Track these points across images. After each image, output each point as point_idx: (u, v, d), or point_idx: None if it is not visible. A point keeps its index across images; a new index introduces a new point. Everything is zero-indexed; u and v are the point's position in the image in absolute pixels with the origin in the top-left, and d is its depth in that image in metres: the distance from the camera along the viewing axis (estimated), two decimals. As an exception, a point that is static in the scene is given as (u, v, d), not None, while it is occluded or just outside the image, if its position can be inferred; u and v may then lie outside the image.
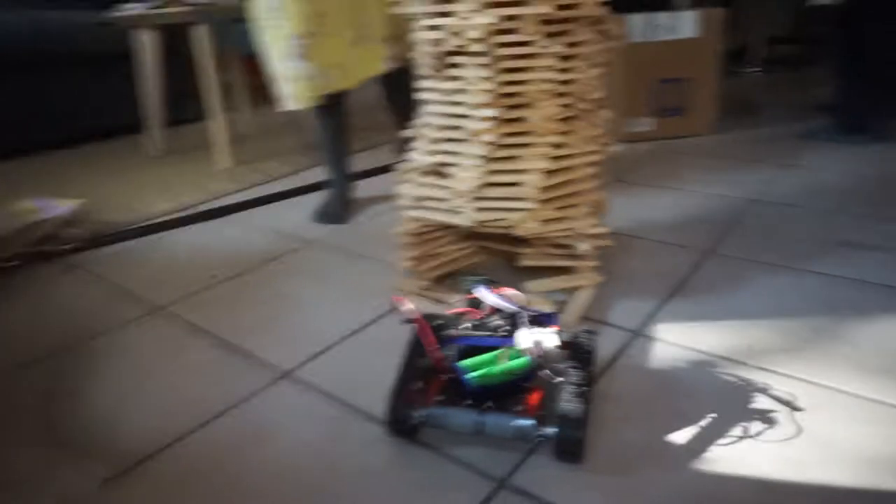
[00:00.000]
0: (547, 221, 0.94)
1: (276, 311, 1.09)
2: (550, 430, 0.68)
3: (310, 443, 0.77)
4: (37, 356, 1.00)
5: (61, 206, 1.56)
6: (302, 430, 0.79)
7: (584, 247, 0.98)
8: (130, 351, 1.00)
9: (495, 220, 0.94)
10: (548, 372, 0.72)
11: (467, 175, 0.94)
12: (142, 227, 1.53)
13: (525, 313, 0.74)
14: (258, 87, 3.85)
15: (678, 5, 2.47)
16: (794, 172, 1.63)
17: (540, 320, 0.74)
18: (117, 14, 2.02)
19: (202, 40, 1.89)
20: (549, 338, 0.71)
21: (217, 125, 2.00)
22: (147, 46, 2.08)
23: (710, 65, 2.02)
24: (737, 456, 0.70)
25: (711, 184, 1.58)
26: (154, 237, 1.48)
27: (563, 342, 0.74)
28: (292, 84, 1.28)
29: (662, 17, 1.96)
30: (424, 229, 1.04)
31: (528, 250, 1.05)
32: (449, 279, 1.10)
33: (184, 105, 2.64)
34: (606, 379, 0.84)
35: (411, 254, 1.05)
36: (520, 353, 0.71)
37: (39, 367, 0.97)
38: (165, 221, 1.55)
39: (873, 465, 0.68)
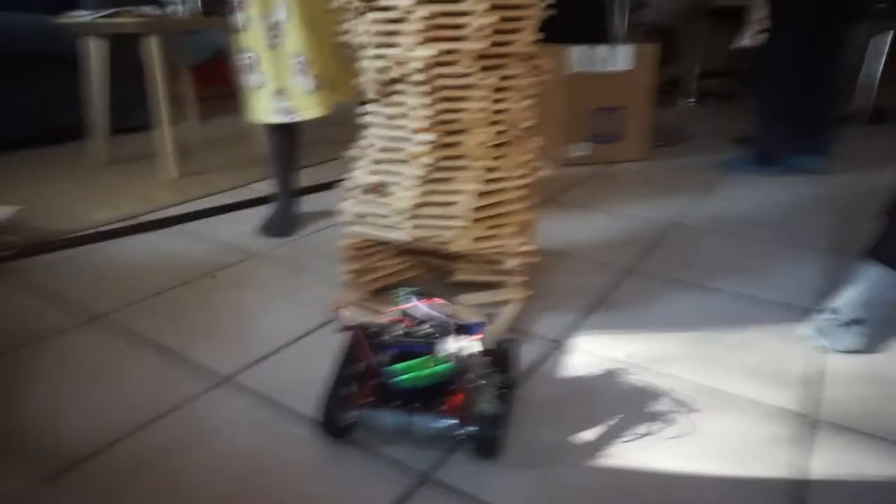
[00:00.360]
0: (478, 239, 1.02)
1: (218, 319, 1.12)
2: (471, 429, 0.74)
3: (245, 445, 0.81)
4: (-28, 361, 1.00)
5: (-2, 212, 1.55)
6: (237, 432, 0.83)
7: (512, 263, 1.06)
8: (67, 357, 1.01)
9: (430, 236, 1.01)
10: (470, 376, 0.79)
11: (405, 194, 1.00)
12: (82, 235, 1.52)
13: (451, 322, 0.80)
14: (205, 99, 3.84)
15: (615, 39, 2.63)
16: (711, 199, 1.77)
17: (466, 329, 0.81)
18: (67, 20, 2.01)
19: (151, 51, 1.90)
20: (472, 345, 0.77)
21: (163, 135, 2.00)
22: (94, 54, 2.08)
23: (643, 96, 2.16)
24: (637, 452, 0.78)
25: (637, 207, 1.70)
26: (94, 246, 1.48)
27: (486, 349, 0.81)
28: (303, 98, 1.35)
29: (600, 50, 2.09)
30: (364, 244, 1.10)
31: (461, 266, 1.13)
32: (387, 292, 1.16)
33: (131, 114, 2.63)
34: (527, 385, 0.92)
35: (351, 267, 1.10)
36: (445, 359, 0.78)
37: (-26, 372, 0.98)
38: (107, 231, 1.56)
39: (749, 457, 0.77)
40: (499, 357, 0.84)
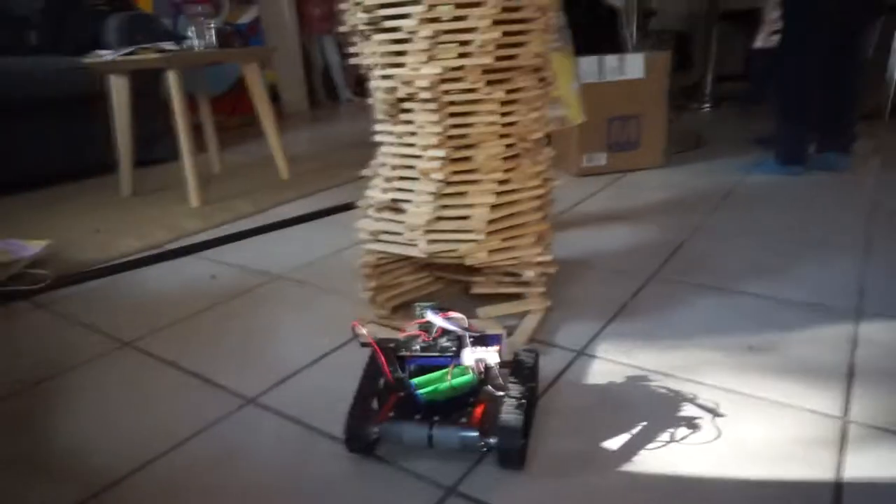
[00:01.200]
0: (494, 251, 1.02)
1: (242, 342, 1.14)
2: (492, 441, 0.74)
3: (274, 462, 0.82)
4: (6, 392, 1.03)
5: (30, 247, 1.60)
6: (266, 451, 0.84)
7: (530, 274, 1.06)
8: (99, 384, 1.04)
9: (446, 251, 1.01)
10: (491, 387, 0.79)
11: (420, 210, 1.02)
12: (110, 265, 1.57)
13: (469, 335, 0.81)
14: (225, 129, 3.93)
15: (626, 48, 2.63)
16: (732, 202, 1.75)
17: (484, 340, 0.81)
18: (90, 60, 2.09)
19: (173, 84, 1.96)
20: (491, 356, 0.78)
21: (187, 165, 2.06)
22: (118, 90, 2.15)
23: (657, 103, 2.15)
24: (664, 458, 0.77)
25: (657, 214, 1.69)
26: (122, 275, 1.52)
27: (505, 360, 0.81)
28: (578, 103, 1.42)
29: (612, 60, 2.10)
30: (382, 261, 1.11)
31: (479, 279, 1.13)
32: (407, 308, 1.17)
33: (154, 146, 2.71)
34: (550, 395, 0.91)
35: (370, 284, 1.11)
36: (464, 371, 0.78)
37: (10, 401, 1.01)
38: (134, 260, 1.60)
39: (778, 460, 0.75)
40: (518, 368, 0.84)
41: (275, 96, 4.06)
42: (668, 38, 4.98)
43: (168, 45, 2.10)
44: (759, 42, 2.21)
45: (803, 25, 1.88)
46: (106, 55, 2.07)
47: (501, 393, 0.78)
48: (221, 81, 3.79)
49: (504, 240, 1.04)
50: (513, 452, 0.74)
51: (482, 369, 0.78)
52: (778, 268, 1.29)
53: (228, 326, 1.21)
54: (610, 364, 0.98)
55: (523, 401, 0.77)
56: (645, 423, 0.83)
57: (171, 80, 1.96)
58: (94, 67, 2.11)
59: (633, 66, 2.11)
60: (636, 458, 0.77)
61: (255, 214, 1.96)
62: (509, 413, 0.75)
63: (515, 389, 0.79)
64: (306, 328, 1.18)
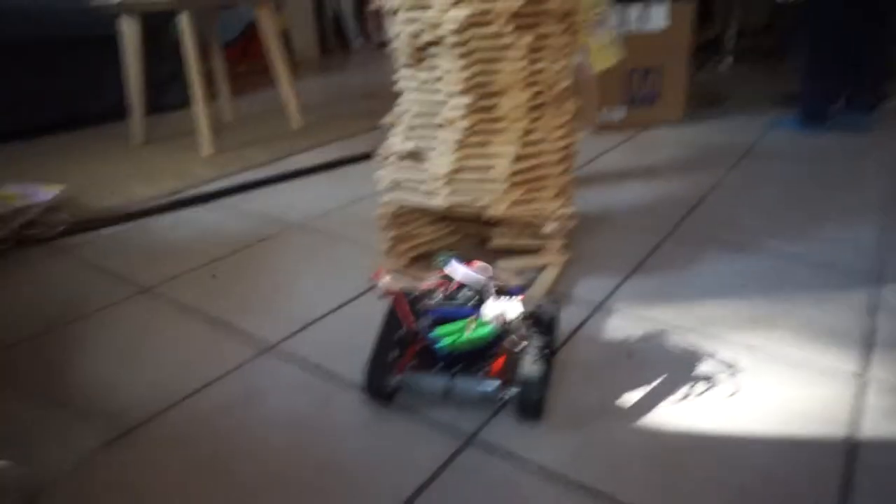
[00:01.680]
0: (516, 203, 1.01)
1: (262, 290, 1.15)
2: (513, 391, 0.75)
3: (294, 408, 0.83)
4: (29, 334, 1.05)
5: (44, 192, 1.59)
6: (286, 397, 0.85)
7: (550, 227, 1.05)
8: (120, 328, 1.05)
9: (468, 202, 1.00)
10: (512, 339, 0.79)
11: (442, 160, 1.00)
12: (127, 212, 1.56)
13: (492, 285, 0.80)
14: (237, 76, 3.86)
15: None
16: (754, 160, 1.72)
17: (506, 292, 0.81)
18: (100, 1, 2.04)
19: (185, 28, 1.92)
20: (513, 308, 0.78)
21: (199, 113, 2.03)
22: (128, 33, 2.10)
23: (680, 56, 2.09)
24: (682, 412, 0.78)
25: (676, 170, 1.66)
26: (138, 222, 1.52)
27: (526, 312, 0.81)
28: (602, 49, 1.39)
29: (635, 9, 2.03)
30: (402, 211, 1.10)
31: (499, 231, 1.12)
32: (426, 259, 1.17)
33: (167, 92, 2.67)
34: (568, 347, 0.92)
35: (389, 235, 1.11)
36: (486, 322, 0.78)
37: (33, 343, 1.02)
38: (150, 207, 1.59)
39: (795, 417, 0.76)
40: (539, 319, 0.84)
41: (286, 43, 3.98)
42: (692, -11, 4.81)
43: (179, -13, 2.04)
44: None
45: None
46: (116, -5, 2.02)
47: (523, 344, 0.78)
48: (233, 27, 3.70)
49: (526, 192, 1.02)
50: (532, 403, 0.75)
51: (504, 320, 0.78)
52: (797, 227, 1.28)
53: (246, 274, 1.21)
54: (628, 319, 0.98)
55: (545, 352, 0.77)
56: (664, 377, 0.84)
57: (184, 22, 1.91)
58: (103, 8, 2.06)
59: (656, 15, 2.04)
60: (653, 412, 0.78)
61: (269, 163, 1.94)
62: (529, 365, 0.76)
63: (536, 342, 0.79)
64: (324, 277, 1.18)
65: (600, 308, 1.02)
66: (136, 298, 1.14)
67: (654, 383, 0.83)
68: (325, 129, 2.31)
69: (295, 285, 1.16)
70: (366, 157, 1.88)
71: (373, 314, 0.91)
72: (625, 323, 0.97)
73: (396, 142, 1.06)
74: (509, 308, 0.78)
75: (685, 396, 0.80)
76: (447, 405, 0.80)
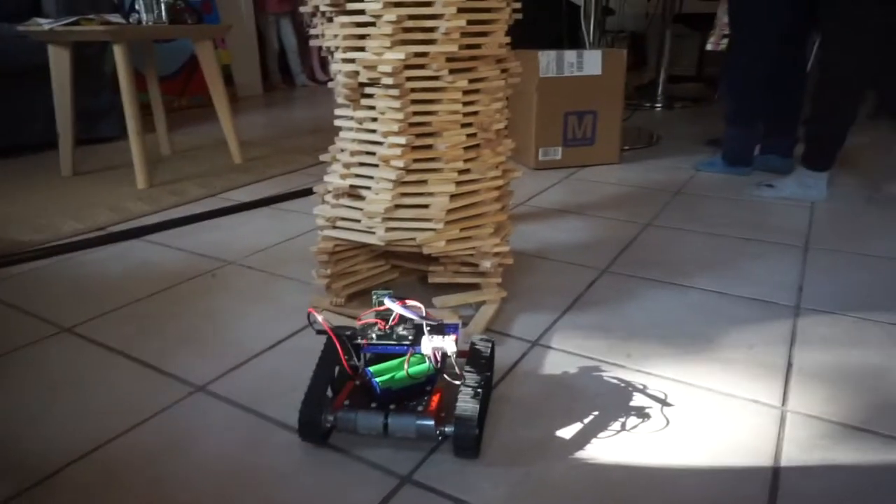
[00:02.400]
0: (453, 241, 1.02)
1: (192, 328, 1.11)
2: (448, 429, 0.75)
3: (224, 452, 0.80)
4: (-65, 377, 0.97)
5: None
6: (216, 440, 0.82)
7: (487, 265, 1.07)
8: (40, 369, 0.99)
9: (405, 239, 1.01)
10: (447, 376, 0.79)
11: (379, 197, 1.01)
12: (48, 246, 1.49)
13: (427, 323, 0.81)
14: (179, 110, 3.80)
15: (584, 45, 2.67)
16: (682, 199, 1.80)
17: (442, 329, 0.81)
18: (28, 28, 1.98)
19: (119, 59, 1.88)
20: (448, 345, 0.78)
21: (134, 145, 1.97)
22: (58, 63, 2.04)
23: (613, 100, 2.19)
24: (617, 447, 0.79)
25: (610, 209, 1.72)
26: (62, 257, 1.45)
27: (462, 349, 0.81)
28: None
29: (570, 55, 2.12)
30: (339, 248, 1.10)
31: (437, 268, 1.13)
32: (363, 296, 1.16)
33: (103, 123, 2.60)
34: (506, 384, 0.92)
35: (327, 271, 1.10)
36: (421, 360, 0.78)
37: (-62, 388, 0.95)
38: (77, 242, 1.53)
39: (723, 449, 0.78)
40: (475, 357, 0.84)
41: (228, 78, 3.95)
42: (624, 38, 5.09)
43: (114, 18, 2.01)
44: (710, 45, 2.28)
45: (749, 31, 1.95)
46: (45, 24, 1.97)
47: (458, 382, 0.78)
48: (174, 59, 3.65)
49: (463, 229, 1.04)
50: (468, 441, 0.75)
51: (439, 358, 0.78)
52: (724, 263, 1.34)
53: (176, 312, 1.17)
54: (564, 354, 1.00)
55: (479, 390, 0.77)
56: (597, 413, 0.85)
57: (118, 54, 1.87)
58: (32, 36, 2.00)
59: (591, 62, 2.14)
60: (588, 447, 0.79)
61: (206, 198, 1.90)
62: (465, 402, 0.75)
63: (471, 378, 0.79)
64: (259, 315, 1.15)
65: (536, 345, 1.03)
66: (58, 338, 1.08)
67: (589, 418, 0.84)
68: (266, 164, 2.29)
69: (229, 323, 1.12)
70: (306, 192, 1.87)
71: (309, 351, 0.90)
72: (560, 359, 0.99)
73: (334, 179, 1.06)
74: (445, 345, 0.78)
75: (619, 431, 0.82)
76: (382, 444, 0.79)
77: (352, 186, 1.04)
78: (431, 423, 0.75)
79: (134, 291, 1.25)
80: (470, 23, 0.96)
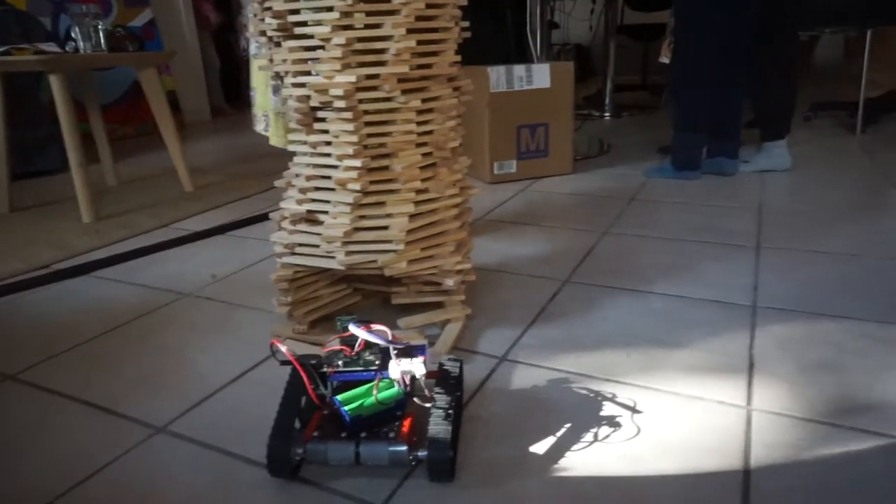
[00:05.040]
0: (414, 261, 1.02)
1: (148, 367, 1.07)
2: (421, 454, 0.73)
3: (189, 494, 0.76)
4: None
5: None
6: (178, 484, 0.78)
7: (450, 283, 1.06)
8: (-18, 422, 0.93)
9: (366, 262, 0.99)
10: (417, 399, 0.78)
11: (337, 222, 0.99)
12: (-9, 289, 1.42)
13: (393, 347, 0.79)
14: (123, 138, 3.69)
15: (532, 59, 2.71)
16: (636, 206, 1.84)
17: (409, 352, 0.80)
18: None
19: (57, 90, 1.81)
20: (416, 367, 0.77)
21: (76, 177, 1.90)
22: (-9, 97, 1.96)
23: (563, 112, 2.23)
24: (588, 459, 0.79)
25: (567, 219, 1.75)
26: (5, 298, 1.38)
27: (430, 371, 0.80)
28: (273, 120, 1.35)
29: (520, 69, 2.15)
30: (299, 275, 1.07)
31: (400, 289, 1.12)
32: (327, 322, 1.14)
33: (37, 156, 2.50)
34: (475, 402, 0.91)
35: (287, 299, 1.07)
36: (390, 384, 0.77)
37: None
38: (18, 282, 1.46)
39: (693, 452, 0.79)
40: (444, 377, 0.83)
41: (174, 104, 3.86)
42: (570, 50, 5.20)
43: (48, 47, 1.94)
44: (664, 57, 2.34)
45: (690, 38, 2.02)
46: (-23, 57, 1.89)
47: (428, 404, 0.77)
48: (116, 87, 3.55)
49: (423, 249, 1.03)
50: (443, 464, 0.73)
51: (408, 381, 0.77)
52: (681, 267, 1.37)
53: (131, 351, 1.12)
54: (532, 368, 1.00)
55: (450, 411, 0.76)
56: (569, 426, 0.85)
57: (55, 85, 1.81)
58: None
59: (540, 75, 2.17)
60: (563, 461, 0.79)
61: (157, 229, 1.84)
62: (437, 425, 0.74)
63: (442, 400, 0.78)
64: (219, 348, 1.11)
65: (504, 360, 1.03)
66: (0, 387, 1.02)
67: (561, 432, 0.84)
68: (218, 191, 2.24)
69: (187, 359, 1.08)
70: (262, 218, 1.83)
71: (273, 383, 0.87)
72: (528, 373, 0.99)
73: (290, 205, 1.04)
74: (413, 368, 0.77)
75: (591, 442, 0.82)
76: (355, 473, 0.77)
77: (309, 212, 1.02)
78: (404, 448, 0.73)
79: (84, 331, 1.20)
80: (420, 43, 0.96)
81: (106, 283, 1.45)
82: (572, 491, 0.74)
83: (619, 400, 0.91)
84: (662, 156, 2.42)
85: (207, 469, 0.81)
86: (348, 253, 0.99)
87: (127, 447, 0.85)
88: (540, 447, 0.81)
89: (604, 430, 0.84)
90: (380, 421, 0.77)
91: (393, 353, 0.79)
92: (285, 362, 0.80)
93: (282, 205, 1.06)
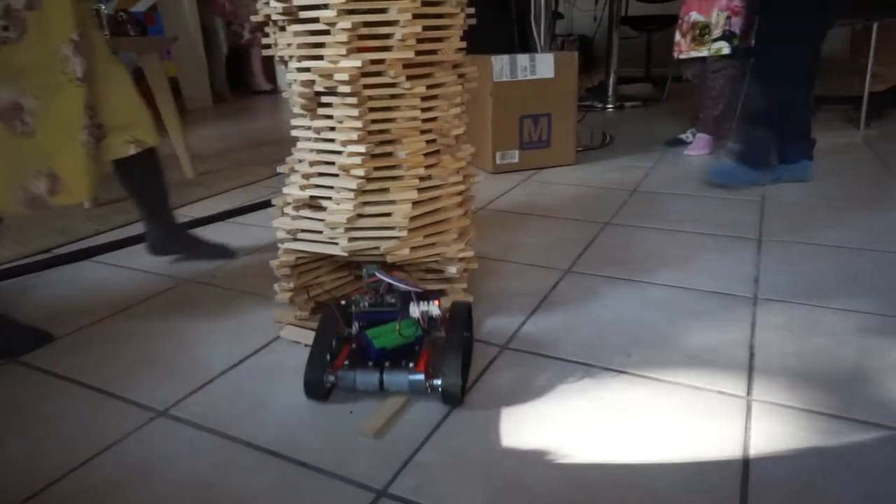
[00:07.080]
0: (417, 248, 1.01)
1: (150, 351, 1.07)
2: (437, 382, 0.86)
3: (189, 477, 0.77)
4: None
5: None
6: (180, 466, 0.79)
7: (453, 270, 1.06)
8: (-15, 403, 0.94)
9: (368, 248, 0.99)
10: (433, 335, 0.92)
11: (340, 208, 0.99)
12: (-7, 272, 1.42)
13: (414, 290, 0.92)
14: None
15: (536, 49, 2.70)
16: (639, 197, 1.83)
17: (427, 296, 0.93)
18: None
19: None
20: (433, 309, 0.91)
21: (79, 163, 1.89)
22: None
23: (567, 102, 2.22)
24: (589, 446, 0.79)
25: (569, 209, 1.74)
26: (8, 283, 1.38)
27: (444, 311, 0.93)
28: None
29: (522, 59, 2.14)
30: (301, 261, 1.07)
31: (402, 275, 1.11)
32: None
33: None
34: (477, 389, 0.92)
35: (289, 285, 1.07)
36: (412, 322, 0.91)
37: None
38: (21, 266, 1.46)
39: (694, 442, 0.79)
40: (456, 317, 0.92)
41: (175, 90, 3.84)
42: (573, 41, 5.17)
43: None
44: (689, 51, 2.27)
45: (804, 21, 1.77)
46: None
47: (443, 340, 0.90)
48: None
49: (426, 236, 1.03)
50: (454, 390, 0.85)
51: (426, 320, 0.91)
52: (682, 258, 1.37)
53: (132, 335, 1.13)
54: (533, 357, 1.00)
55: (464, 343, 0.89)
56: (570, 413, 0.86)
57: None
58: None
59: (543, 65, 2.16)
60: (563, 448, 0.79)
61: (159, 214, 1.84)
62: (450, 356, 0.86)
63: (455, 335, 0.89)
64: (221, 332, 1.12)
65: (506, 348, 1.03)
66: (2, 369, 1.03)
67: (562, 419, 0.84)
68: (220, 178, 2.24)
69: (188, 343, 1.09)
70: (264, 205, 1.83)
71: (273, 368, 0.88)
72: (531, 361, 0.99)
73: (293, 190, 1.04)
74: (430, 309, 0.91)
75: (592, 430, 0.82)
76: (360, 457, 0.78)
77: (312, 197, 1.02)
78: (422, 377, 0.86)
79: (86, 315, 1.20)
80: (425, 28, 0.95)
81: (108, 268, 1.45)
82: (572, 476, 0.74)
83: (619, 389, 0.91)
84: (671, 148, 2.42)
85: (208, 452, 0.81)
86: (351, 239, 0.99)
87: (128, 430, 0.86)
88: (541, 434, 0.82)
89: (604, 418, 0.84)
90: (401, 354, 0.89)
91: (414, 295, 0.92)
92: (318, 308, 0.96)
93: (285, 190, 1.06)
